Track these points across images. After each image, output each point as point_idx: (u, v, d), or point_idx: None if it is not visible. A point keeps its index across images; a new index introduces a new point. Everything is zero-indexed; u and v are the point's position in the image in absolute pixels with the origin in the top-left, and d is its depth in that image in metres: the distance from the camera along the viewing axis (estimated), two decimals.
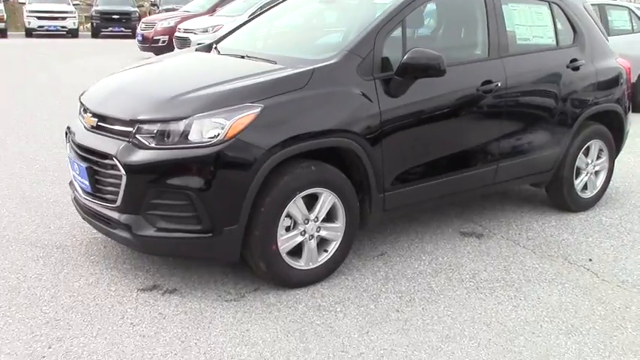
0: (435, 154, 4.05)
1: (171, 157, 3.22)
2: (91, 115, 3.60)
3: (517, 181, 4.72)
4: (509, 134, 4.41)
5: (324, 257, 3.69)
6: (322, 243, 3.71)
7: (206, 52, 4.44)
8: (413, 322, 3.31)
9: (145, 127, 3.29)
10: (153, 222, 3.33)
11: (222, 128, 3.22)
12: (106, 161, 3.39)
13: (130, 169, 3.27)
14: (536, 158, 4.63)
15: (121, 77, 4.02)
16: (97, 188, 3.52)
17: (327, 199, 3.58)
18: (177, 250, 3.42)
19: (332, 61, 3.67)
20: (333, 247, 3.71)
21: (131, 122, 3.35)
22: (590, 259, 4.19)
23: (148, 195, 3.28)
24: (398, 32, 3.89)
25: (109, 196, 3.44)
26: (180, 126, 3.24)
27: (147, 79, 3.94)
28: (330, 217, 3.68)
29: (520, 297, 3.63)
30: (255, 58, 3.97)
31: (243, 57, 4.06)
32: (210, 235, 3.29)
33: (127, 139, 3.34)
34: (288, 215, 3.48)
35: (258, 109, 3.29)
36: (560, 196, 4.98)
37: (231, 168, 3.25)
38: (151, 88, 3.68)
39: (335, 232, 3.68)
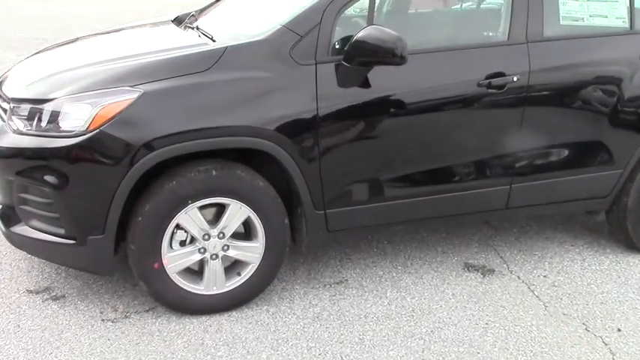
0: (405, 166, 3.12)
1: (31, 145, 2.71)
2: None
3: (547, 207, 3.56)
4: (533, 146, 3.29)
5: (235, 282, 2.98)
6: (238, 265, 3.00)
7: (177, 23, 3.81)
8: None
9: (20, 107, 2.80)
10: (26, 218, 2.86)
11: (89, 116, 2.62)
12: None
13: None
14: (578, 180, 3.45)
15: (50, 53, 3.53)
16: None
17: (235, 212, 2.86)
18: (49, 255, 2.93)
19: (255, 39, 2.89)
20: (248, 271, 2.98)
21: (10, 100, 2.87)
22: (620, 329, 3.01)
23: (16, 187, 2.80)
24: (363, 4, 2.98)
25: None
26: (48, 109, 2.69)
27: (67, 54, 3.42)
28: (248, 234, 2.96)
29: None
30: (205, 34, 3.25)
31: (196, 31, 3.37)
32: (75, 242, 2.74)
33: (4, 121, 2.87)
34: (183, 228, 2.81)
35: (135, 95, 2.65)
36: (622, 230, 3.73)
37: (93, 165, 2.65)
38: (53, 65, 3.17)
39: (250, 253, 2.96)
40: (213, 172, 2.78)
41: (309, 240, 3.07)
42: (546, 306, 3.19)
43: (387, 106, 2.96)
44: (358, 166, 2.99)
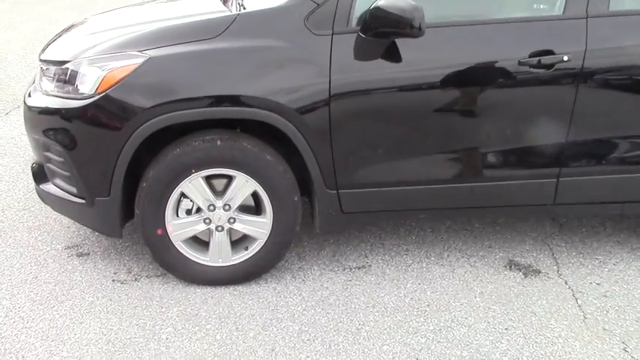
0: (425, 150, 2.86)
1: (52, 105, 2.81)
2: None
3: (608, 207, 3.13)
4: (586, 135, 2.89)
5: (242, 256, 2.92)
6: (246, 239, 2.94)
7: None
8: None
9: (48, 68, 2.91)
10: (51, 176, 2.99)
11: (97, 79, 2.66)
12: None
13: (26, 114, 2.95)
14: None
15: (91, 19, 3.60)
16: None
17: (241, 185, 2.79)
18: (66, 212, 3.03)
19: (270, 6, 2.76)
20: (255, 247, 2.91)
21: (41, 62, 2.99)
22: None
23: (41, 146, 2.93)
24: None
25: None
26: (68, 71, 2.77)
27: (100, 21, 3.45)
28: (258, 208, 2.88)
29: None
30: (241, 4, 3.16)
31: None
32: (84, 202, 2.82)
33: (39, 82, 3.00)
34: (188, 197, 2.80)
35: (141, 60, 2.64)
36: None
37: (98, 128, 2.69)
38: (84, 30, 3.24)
39: (257, 229, 2.88)
40: (218, 142, 2.72)
41: (322, 220, 2.93)
42: (586, 317, 2.82)
43: (406, 83, 2.72)
44: (373, 145, 2.79)
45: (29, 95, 2.95)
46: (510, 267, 3.21)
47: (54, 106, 2.77)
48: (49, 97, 2.83)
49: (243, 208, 2.88)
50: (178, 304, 2.83)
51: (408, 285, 3.02)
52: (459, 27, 2.76)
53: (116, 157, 2.67)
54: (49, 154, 2.90)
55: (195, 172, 2.73)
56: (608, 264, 3.26)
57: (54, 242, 3.31)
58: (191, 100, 2.62)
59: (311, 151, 2.73)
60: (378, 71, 2.68)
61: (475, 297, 2.95)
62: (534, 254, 3.34)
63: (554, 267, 3.22)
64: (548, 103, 2.82)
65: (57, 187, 2.95)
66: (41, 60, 2.97)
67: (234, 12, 2.81)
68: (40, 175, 3.05)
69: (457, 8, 2.87)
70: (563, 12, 2.79)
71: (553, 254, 3.34)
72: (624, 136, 2.91)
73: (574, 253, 3.35)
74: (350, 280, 3.05)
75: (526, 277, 3.12)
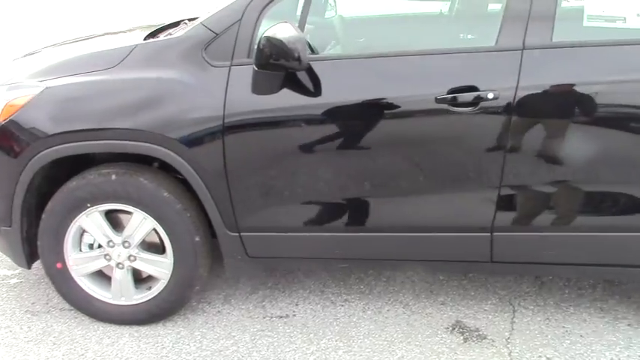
0: (335, 192, 2.58)
1: None
2: None
3: (561, 269, 2.68)
4: (522, 183, 2.50)
5: (145, 296, 2.79)
6: (151, 278, 2.81)
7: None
8: None
9: None
10: None
11: (1, 107, 2.67)
12: None
13: None
14: (609, 239, 2.54)
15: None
16: None
17: (139, 222, 2.67)
18: None
19: (170, 37, 2.64)
20: (158, 287, 2.77)
21: None
22: None
23: None
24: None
25: None
26: None
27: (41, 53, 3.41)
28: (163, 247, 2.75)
29: None
30: None
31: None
32: None
33: None
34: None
35: (38, 90, 2.60)
36: None
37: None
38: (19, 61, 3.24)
39: (159, 268, 2.74)
40: (113, 177, 2.61)
41: (229, 264, 2.73)
42: None
43: (303, 122, 2.48)
44: (273, 186, 2.56)
45: None
46: (453, 329, 2.83)
47: None
48: None
49: (150, 246, 2.74)
50: (72, 342, 2.73)
51: (323, 342, 2.74)
52: (366, 60, 2.49)
53: (14, 187, 2.64)
54: None
55: (91, 206, 2.63)
56: (572, 335, 2.79)
57: None
58: (81, 132, 2.54)
59: (207, 189, 2.56)
60: (273, 106, 2.46)
61: None
62: (490, 316, 2.93)
63: (506, 333, 2.80)
64: (475, 146, 2.46)
65: None
66: None
67: (132, 42, 2.71)
68: None
69: (372, 40, 2.60)
70: (496, 42, 2.43)
71: (513, 318, 2.92)
72: (566, 185, 2.47)
73: (539, 319, 2.91)
74: (262, 331, 2.81)
75: (465, 342, 2.74)
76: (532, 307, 2.99)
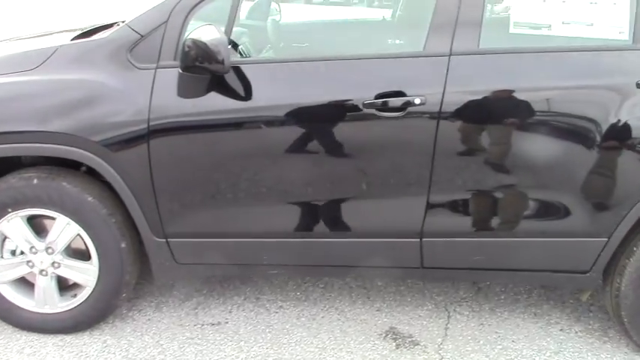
0: (263, 197, 2.54)
1: None
2: None
3: (489, 274, 2.69)
4: (449, 190, 2.49)
5: (70, 304, 2.71)
6: (77, 285, 2.73)
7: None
8: None
9: None
10: None
11: None
12: None
13: None
14: (532, 244, 2.55)
15: None
16: None
17: (62, 227, 2.59)
18: None
19: (95, 38, 2.58)
20: (83, 294, 2.69)
21: None
22: None
23: None
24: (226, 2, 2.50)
25: None
26: None
27: None
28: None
29: None
30: None
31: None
32: None
33: None
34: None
35: None
36: (618, 321, 2.69)
37: None
38: None
39: (84, 275, 2.66)
40: (35, 181, 2.53)
41: (156, 270, 2.67)
42: None
43: (229, 126, 2.44)
44: (199, 191, 2.51)
45: None
46: (386, 335, 2.81)
47: None
48: None
49: (76, 252, 2.66)
50: None
51: (253, 350, 2.69)
52: (293, 64, 2.47)
53: None
54: None
55: (12, 211, 2.55)
56: (504, 340, 2.79)
57: None
58: (12, 135, 2.46)
59: (132, 194, 2.50)
60: (199, 110, 2.42)
61: None
62: (425, 322, 2.92)
63: (439, 339, 2.79)
64: (402, 151, 2.45)
65: None
66: None
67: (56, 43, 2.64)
68: None
69: (306, 45, 2.57)
70: (424, 48, 2.42)
71: (447, 324, 2.91)
72: (493, 190, 2.47)
73: (473, 325, 2.91)
74: (192, 339, 2.75)
75: (397, 348, 2.72)
76: (467, 313, 2.98)
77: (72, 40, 2.70)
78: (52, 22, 8.63)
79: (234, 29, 2.59)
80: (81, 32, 2.85)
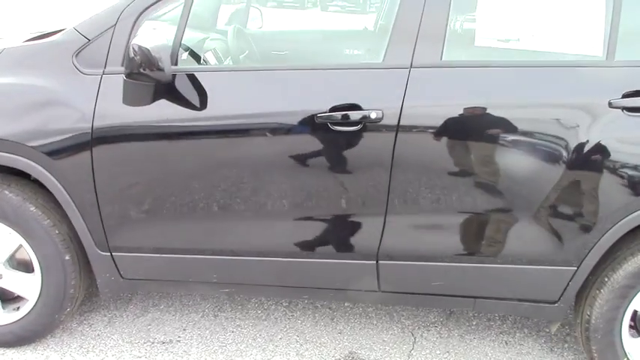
0: (211, 213, 2.41)
1: None
2: None
3: (451, 301, 2.53)
4: (407, 211, 2.34)
5: (12, 317, 2.59)
6: (20, 298, 2.62)
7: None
8: None
9: None
10: None
11: None
12: None
13: None
14: (498, 271, 2.39)
15: None
16: None
17: (3, 237, 2.48)
18: None
19: (39, 42, 2.48)
20: (26, 308, 2.58)
21: None
22: None
23: None
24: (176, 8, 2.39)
25: None
26: None
27: None
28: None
29: None
30: None
31: None
32: None
33: None
34: None
35: None
36: (588, 354, 2.52)
37: None
38: None
39: (26, 287, 2.55)
40: None
41: (101, 285, 2.54)
42: None
43: (174, 136, 2.32)
44: (145, 205, 2.39)
45: None
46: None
47: None
48: None
49: (19, 264, 2.55)
50: None
51: None
52: (244, 72, 2.35)
53: None
54: None
55: None
56: None
57: None
58: None
59: (75, 205, 2.38)
60: (145, 119, 2.30)
61: None
62: (388, 347, 2.77)
63: None
64: (357, 168, 2.30)
65: None
66: None
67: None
68: None
69: (265, 53, 2.45)
70: (383, 60, 2.28)
71: (411, 350, 2.76)
72: (451, 212, 2.32)
73: (438, 352, 2.76)
74: (139, 357, 2.63)
75: None
76: (434, 339, 2.83)
77: (24, 42, 2.59)
78: (51, 22, 8.62)
79: (212, 36, 2.47)
80: (37, 35, 2.75)
